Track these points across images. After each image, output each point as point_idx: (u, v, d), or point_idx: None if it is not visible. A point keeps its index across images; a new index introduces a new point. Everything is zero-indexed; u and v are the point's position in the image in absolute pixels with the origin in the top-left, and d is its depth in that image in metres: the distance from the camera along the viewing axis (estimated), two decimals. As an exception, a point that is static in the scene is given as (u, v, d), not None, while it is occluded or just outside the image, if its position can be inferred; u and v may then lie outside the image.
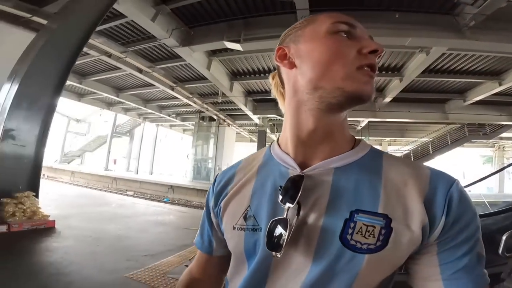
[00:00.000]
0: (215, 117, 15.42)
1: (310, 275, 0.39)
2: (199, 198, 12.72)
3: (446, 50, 6.46)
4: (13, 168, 3.87)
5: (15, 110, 3.81)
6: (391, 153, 0.49)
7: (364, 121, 13.45)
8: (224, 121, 15.62)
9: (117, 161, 20.88)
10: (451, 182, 0.40)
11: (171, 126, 21.43)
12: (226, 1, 5.97)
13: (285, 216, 0.41)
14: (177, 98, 12.29)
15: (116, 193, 11.09)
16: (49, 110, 4.23)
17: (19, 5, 5.99)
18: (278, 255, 0.39)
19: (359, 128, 14.40)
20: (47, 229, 3.71)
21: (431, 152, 14.22)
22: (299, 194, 0.41)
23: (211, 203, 0.56)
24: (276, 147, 0.51)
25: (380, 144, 18.77)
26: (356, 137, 0.48)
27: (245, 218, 0.47)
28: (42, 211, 3.83)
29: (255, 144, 18.52)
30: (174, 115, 17.05)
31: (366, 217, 0.38)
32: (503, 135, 13.92)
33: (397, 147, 18.28)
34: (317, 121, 0.43)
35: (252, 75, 9.78)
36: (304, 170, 0.44)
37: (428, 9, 5.33)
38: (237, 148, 19.26)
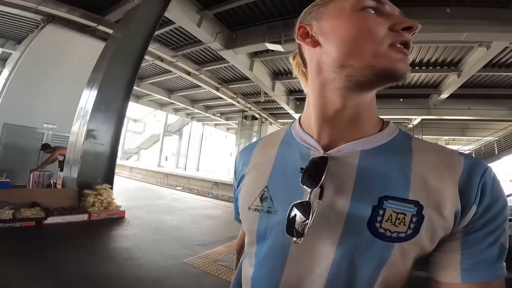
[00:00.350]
0: (257, 116, 15.77)
1: (335, 264, 0.38)
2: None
3: (509, 44, 5.77)
4: (93, 163, 4.55)
5: (95, 113, 4.48)
6: (420, 138, 0.45)
7: (416, 119, 12.45)
8: (266, 119, 15.86)
9: (168, 158, 22.67)
10: (484, 168, 0.38)
11: (215, 125, 22.49)
12: (265, 4, 6.16)
13: (308, 199, 0.39)
14: (222, 98, 12.87)
15: (167, 188, 12.06)
16: (121, 113, 4.87)
17: (86, 14, 7.01)
18: (298, 241, 0.38)
19: (410, 126, 13.36)
20: (119, 218, 4.29)
21: (496, 153, 12.58)
22: (323, 177, 0.39)
23: (234, 184, 0.56)
24: (298, 126, 0.48)
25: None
26: (384, 119, 0.46)
27: (261, 199, 0.45)
28: (115, 202, 4.45)
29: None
30: (218, 115, 17.85)
31: (396, 204, 0.37)
32: None
33: (457, 147, 16.43)
34: (345, 101, 0.41)
35: (291, 74, 9.80)
36: (328, 152, 0.42)
37: (483, 3, 4.96)
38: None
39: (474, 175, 0.37)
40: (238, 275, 0.57)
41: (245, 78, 10.59)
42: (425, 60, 7.61)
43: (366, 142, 0.41)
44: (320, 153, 0.42)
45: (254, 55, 8.61)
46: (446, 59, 7.50)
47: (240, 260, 0.61)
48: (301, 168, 0.41)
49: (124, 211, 4.45)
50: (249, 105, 13.43)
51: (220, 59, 8.98)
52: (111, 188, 4.58)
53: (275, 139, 0.51)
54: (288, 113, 13.48)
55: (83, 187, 4.29)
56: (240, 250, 0.69)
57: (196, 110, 16.50)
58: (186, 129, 22.26)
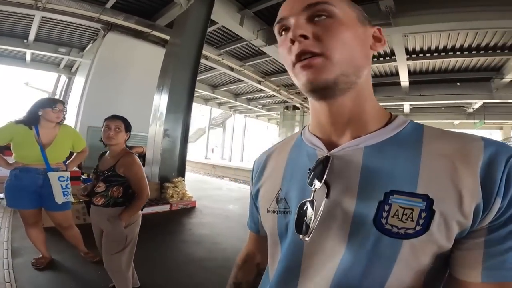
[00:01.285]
0: (299, 105, 15.71)
1: (344, 261, 0.38)
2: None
3: None
4: (169, 159, 5.15)
5: (168, 114, 5.04)
6: (433, 126, 0.43)
7: (476, 103, 11.30)
8: (308, 109, 15.69)
9: (214, 150, 23.84)
10: (509, 153, 0.34)
11: (257, 116, 22.90)
12: None
13: (311, 197, 0.40)
14: (263, 90, 13.10)
15: (216, 178, 12.76)
16: (188, 112, 5.37)
17: (140, 21, 7.62)
18: (306, 239, 0.38)
19: (470, 110, 12.20)
20: (191, 208, 4.82)
21: None
22: (325, 175, 0.40)
23: (252, 189, 0.58)
24: (307, 130, 0.50)
25: (501, 128, 15.25)
26: (393, 113, 0.45)
27: (277, 201, 0.47)
28: (188, 193, 5.01)
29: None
30: (260, 106, 18.14)
31: (403, 199, 0.35)
32: None
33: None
34: (321, 105, 0.43)
35: None
36: (331, 151, 0.43)
37: None
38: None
39: (497, 163, 0.34)
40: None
41: (284, 70, 10.66)
42: (483, 44, 7.08)
43: (369, 137, 0.41)
44: (324, 152, 0.43)
45: None
46: (506, 43, 6.90)
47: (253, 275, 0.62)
48: (309, 169, 0.43)
49: (195, 201, 4.98)
50: (291, 96, 13.46)
51: (261, 54, 9.20)
52: (184, 181, 5.15)
53: (287, 144, 0.53)
54: (331, 101, 13.24)
55: (163, 181, 4.91)
56: (241, 265, 0.64)
57: (239, 103, 16.98)
58: (229, 122, 23.09)
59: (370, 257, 0.36)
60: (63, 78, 15.36)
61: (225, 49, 9.06)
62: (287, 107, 17.18)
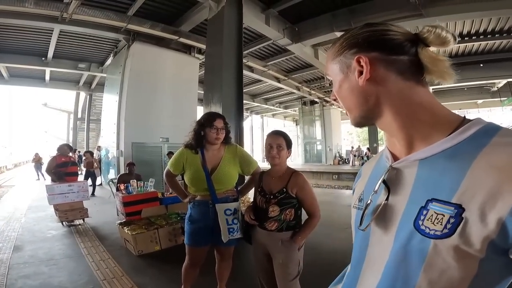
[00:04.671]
0: (317, 100, 15.92)
1: (392, 253, 0.44)
2: (315, 180, 13.46)
3: None
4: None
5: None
6: None
7: (500, 82, 11.33)
8: (328, 102, 15.89)
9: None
10: None
11: (273, 115, 23.20)
12: None
13: (369, 200, 0.51)
14: (282, 88, 13.28)
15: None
16: (239, 123, 5.21)
17: (166, 28, 7.32)
18: (360, 228, 0.50)
19: (494, 89, 12.23)
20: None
21: None
22: (381, 182, 0.49)
23: (353, 187, 0.68)
24: (386, 144, 0.56)
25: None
26: (467, 118, 0.45)
27: (359, 200, 0.58)
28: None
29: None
30: (277, 105, 18.31)
31: (438, 206, 0.39)
32: None
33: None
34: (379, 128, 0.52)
35: None
36: (393, 163, 0.49)
37: None
38: (344, 127, 19.06)
39: None
40: None
41: (306, 66, 10.99)
42: (506, 28, 7.34)
43: (425, 151, 0.44)
44: (389, 164, 0.50)
45: (316, 44, 8.76)
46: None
47: None
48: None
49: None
50: (313, 91, 13.76)
51: (283, 51, 9.30)
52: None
53: (378, 156, 0.61)
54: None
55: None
56: None
57: (256, 104, 17.16)
58: (247, 123, 23.48)
59: (407, 251, 0.42)
60: (82, 95, 15.59)
61: (247, 50, 8.84)
62: (304, 103, 17.39)
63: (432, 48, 0.46)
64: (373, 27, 0.48)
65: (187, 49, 8.74)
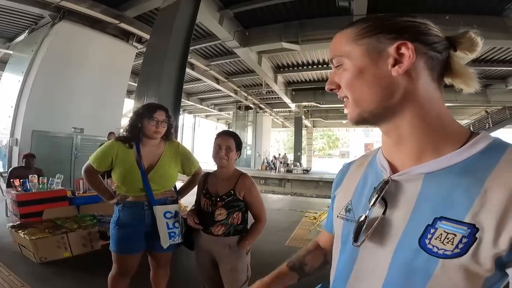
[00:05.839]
0: (252, 105, 16.36)
1: (391, 271, 0.42)
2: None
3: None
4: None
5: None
6: None
7: None
8: (261, 109, 16.52)
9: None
10: None
11: (206, 116, 22.66)
12: (284, 5, 6.50)
13: (366, 213, 0.46)
14: (219, 90, 13.08)
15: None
16: (176, 124, 4.69)
17: (107, 10, 6.46)
18: (355, 244, 0.45)
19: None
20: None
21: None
22: (380, 196, 0.44)
23: (332, 194, 0.63)
24: (380, 151, 0.52)
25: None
26: (476, 132, 0.43)
27: (346, 210, 0.53)
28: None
29: (288, 129, 19.13)
30: (212, 106, 18.02)
31: (449, 225, 0.37)
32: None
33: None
34: (381, 130, 0.48)
35: (292, 68, 10.76)
36: (393, 175, 0.46)
37: (479, 11, 5.87)
38: (272, 134, 20.03)
39: None
40: None
41: (247, 71, 11.13)
42: None
43: (432, 164, 0.42)
44: (387, 175, 0.47)
45: (262, 51, 8.97)
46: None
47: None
48: (374, 188, 0.47)
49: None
50: (250, 97, 14.00)
51: (227, 54, 9.27)
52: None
53: (366, 160, 0.57)
54: (282, 102, 14.36)
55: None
56: (311, 250, 0.72)
57: (190, 103, 16.53)
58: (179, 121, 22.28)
59: (411, 270, 0.39)
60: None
61: (193, 47, 8.51)
62: (239, 107, 17.59)
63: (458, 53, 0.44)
64: (413, 17, 0.44)
65: (125, 36, 7.81)
